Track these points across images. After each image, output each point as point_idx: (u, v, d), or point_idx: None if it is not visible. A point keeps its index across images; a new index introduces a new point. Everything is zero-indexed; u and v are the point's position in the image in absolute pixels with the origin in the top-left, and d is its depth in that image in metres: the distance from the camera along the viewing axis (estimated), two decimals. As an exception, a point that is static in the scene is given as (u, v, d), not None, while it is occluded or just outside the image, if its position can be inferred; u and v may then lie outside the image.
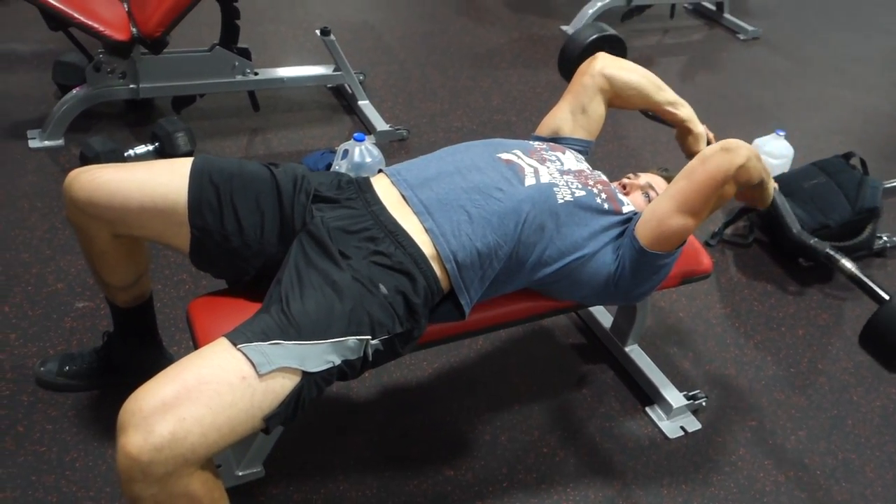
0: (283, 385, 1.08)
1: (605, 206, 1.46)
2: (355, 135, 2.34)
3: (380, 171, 1.51)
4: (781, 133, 2.86)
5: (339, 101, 2.99)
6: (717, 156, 1.38)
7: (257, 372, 1.04)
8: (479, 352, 2.01)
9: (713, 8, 4.46)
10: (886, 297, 1.36)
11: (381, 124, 2.78)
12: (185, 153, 2.42)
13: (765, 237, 2.64)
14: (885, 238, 2.60)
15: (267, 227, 1.34)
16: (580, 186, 1.46)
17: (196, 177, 1.33)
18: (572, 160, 1.55)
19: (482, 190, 1.38)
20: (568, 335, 2.11)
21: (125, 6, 2.42)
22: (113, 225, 1.34)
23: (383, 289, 1.22)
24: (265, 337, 1.08)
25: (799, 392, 2.06)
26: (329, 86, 3.02)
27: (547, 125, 1.72)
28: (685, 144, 1.74)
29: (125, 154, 2.33)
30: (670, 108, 1.70)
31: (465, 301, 1.36)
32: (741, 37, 4.31)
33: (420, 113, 3.02)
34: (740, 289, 2.41)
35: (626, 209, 1.50)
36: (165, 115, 2.53)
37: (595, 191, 1.47)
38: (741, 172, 1.38)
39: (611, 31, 1.98)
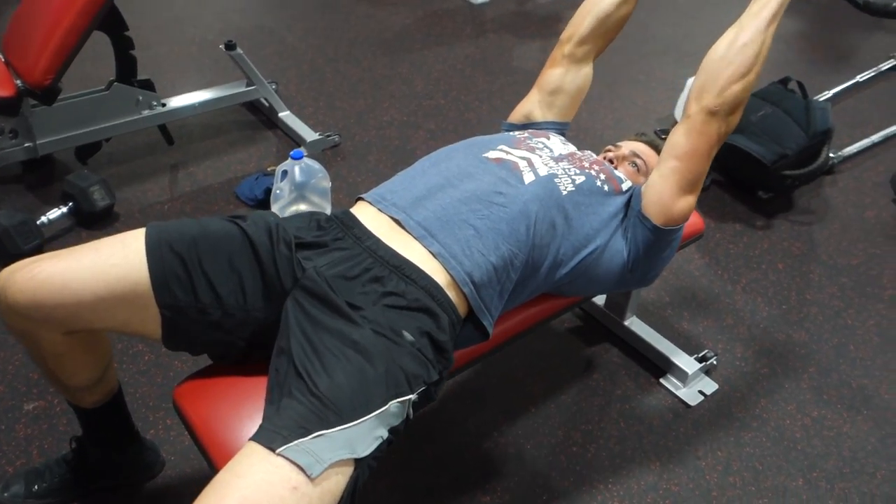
0: (338, 481, 0.92)
1: (606, 187, 1.36)
2: (292, 153, 2.15)
3: (359, 199, 1.35)
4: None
5: (257, 117, 2.77)
6: (704, 124, 1.28)
7: (308, 476, 0.88)
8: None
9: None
10: None
11: (309, 134, 2.59)
12: (105, 208, 2.17)
13: (720, 177, 2.61)
14: (832, 155, 2.62)
15: (249, 290, 1.17)
16: (578, 171, 1.35)
17: (154, 250, 1.14)
18: (559, 144, 1.44)
19: (482, 198, 1.24)
20: (563, 321, 2.01)
21: (1, 58, 2.13)
22: (66, 323, 1.14)
23: (408, 336, 1.08)
24: (304, 431, 0.92)
25: (797, 327, 2.04)
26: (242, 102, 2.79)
27: (519, 111, 1.63)
28: None
29: (38, 223, 2.06)
30: None
31: (487, 322, 1.23)
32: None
33: (345, 113, 2.83)
34: (712, 234, 2.37)
35: (625, 186, 1.40)
36: (73, 170, 2.27)
37: (593, 172, 1.37)
38: (737, 111, 1.30)
39: None
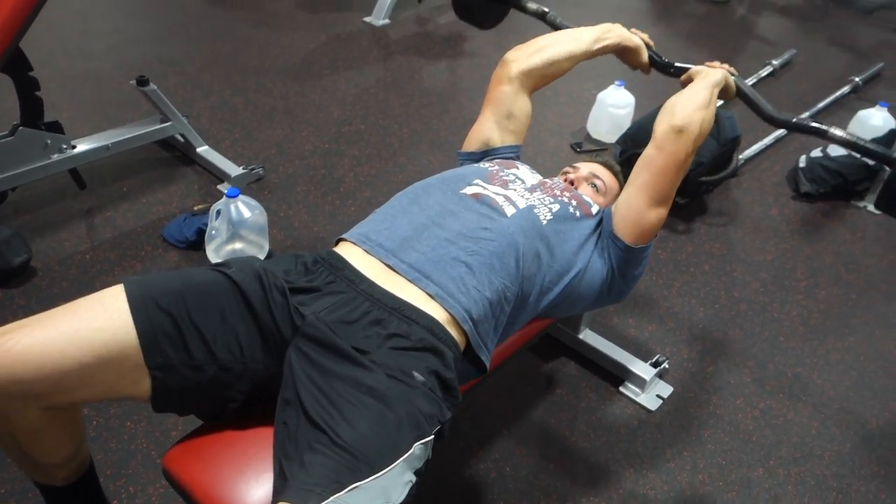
0: None
1: (578, 213, 1.40)
2: (227, 191, 2.07)
3: (340, 240, 1.32)
4: (621, 84, 2.97)
5: (172, 154, 2.64)
6: (672, 141, 1.35)
7: None
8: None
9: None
10: (894, 156, 1.37)
11: (232, 168, 2.50)
12: (22, 263, 2.00)
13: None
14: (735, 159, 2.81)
15: (245, 342, 1.11)
16: (552, 200, 1.38)
17: (139, 309, 1.06)
18: (528, 173, 1.47)
19: (468, 235, 1.24)
20: (519, 339, 2.04)
21: None
22: (45, 397, 1.04)
23: (418, 376, 1.07)
24: (339, 485, 0.89)
25: (731, 325, 2.17)
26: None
27: (475, 139, 1.61)
28: (630, 62, 1.69)
29: (-54, 285, 1.88)
30: (600, 46, 1.63)
31: (484, 356, 1.23)
32: None
33: (263, 144, 2.75)
34: (640, 241, 2.48)
35: (594, 210, 1.44)
36: (-23, 224, 2.08)
37: (565, 199, 1.40)
38: (700, 138, 1.38)
39: None
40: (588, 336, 1.98)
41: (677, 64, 1.64)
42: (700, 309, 2.22)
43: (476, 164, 1.49)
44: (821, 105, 3.46)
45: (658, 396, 1.90)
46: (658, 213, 1.37)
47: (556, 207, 1.36)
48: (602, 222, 1.42)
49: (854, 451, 1.83)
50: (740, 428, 1.85)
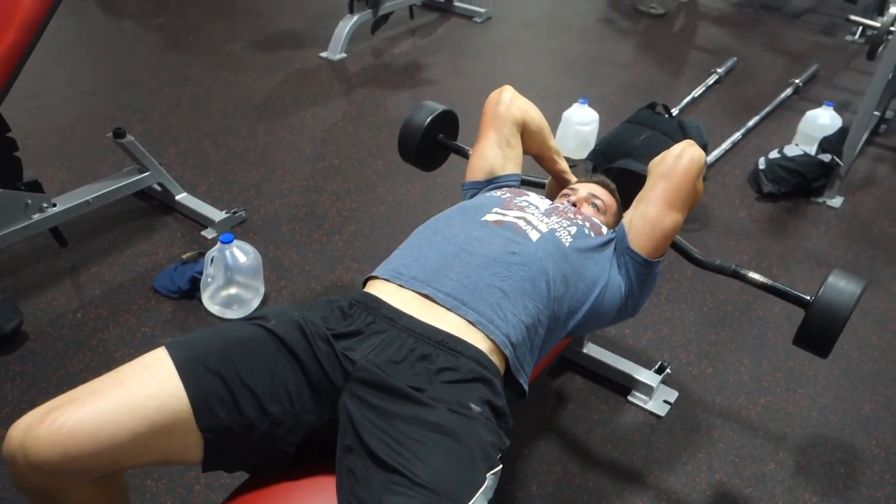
0: None
1: (593, 234, 1.44)
2: (221, 237, 2.06)
3: (370, 278, 1.33)
4: (584, 102, 3.07)
5: (149, 204, 2.61)
6: (688, 150, 1.42)
7: None
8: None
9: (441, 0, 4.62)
10: (809, 299, 1.48)
11: (215, 213, 2.48)
12: (15, 327, 1.95)
13: (613, 198, 2.82)
14: (701, 166, 2.93)
15: (295, 395, 1.11)
16: (568, 223, 1.42)
17: (188, 372, 1.06)
18: (539, 199, 1.51)
19: (498, 260, 1.28)
20: (524, 359, 2.08)
21: None
22: (98, 469, 1.03)
23: (475, 407, 1.09)
24: None
25: (721, 326, 2.26)
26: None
27: (479, 167, 1.64)
28: (557, 193, 1.75)
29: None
30: (557, 157, 1.72)
31: (523, 380, 1.26)
32: (477, 20, 4.52)
33: (241, 187, 2.74)
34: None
35: (604, 230, 1.49)
36: (-39, 292, 2.01)
37: (579, 222, 1.44)
38: (703, 165, 1.44)
39: (441, 106, 1.95)
40: (592, 350, 2.03)
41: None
42: (690, 313, 2.29)
43: (489, 193, 1.53)
44: (768, 109, 3.63)
45: (665, 402, 1.96)
46: (673, 218, 1.42)
47: (573, 230, 1.40)
48: (615, 240, 1.47)
49: (854, 436, 1.91)
50: (746, 425, 1.92)
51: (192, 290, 2.17)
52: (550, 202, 1.52)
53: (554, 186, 1.77)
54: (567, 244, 1.36)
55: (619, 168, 2.63)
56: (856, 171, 3.15)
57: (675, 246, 1.63)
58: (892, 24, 3.43)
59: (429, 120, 1.89)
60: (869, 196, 3.02)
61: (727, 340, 2.20)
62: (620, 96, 3.66)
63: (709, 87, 3.86)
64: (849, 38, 4.78)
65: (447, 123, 1.94)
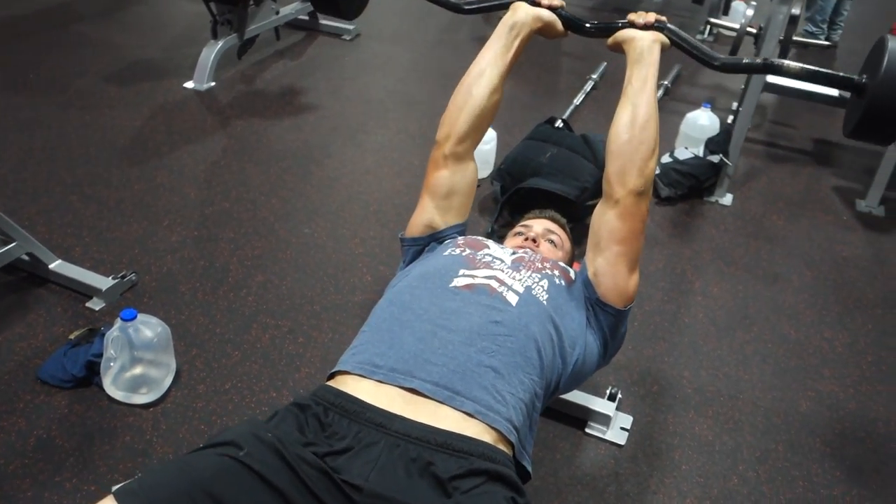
0: None
1: (563, 282, 1.36)
2: (122, 314, 1.79)
3: (338, 373, 1.16)
4: (481, 119, 3.00)
5: (15, 277, 2.25)
6: (635, 205, 1.32)
7: None
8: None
9: (307, 18, 4.41)
10: (862, 80, 1.33)
11: (99, 280, 2.18)
12: None
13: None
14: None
15: None
16: (539, 276, 1.33)
17: None
18: (499, 250, 1.41)
19: (482, 333, 1.16)
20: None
21: None
22: None
23: (504, 513, 0.97)
24: None
25: (654, 339, 2.26)
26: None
27: (417, 223, 1.52)
28: (548, 35, 1.64)
29: None
30: (519, 37, 1.62)
31: (527, 462, 1.16)
32: (346, 38, 4.36)
33: (122, 245, 2.43)
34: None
35: (572, 274, 1.41)
36: None
37: (548, 272, 1.36)
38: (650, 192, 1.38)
39: None
40: (542, 385, 1.95)
41: (598, 24, 1.57)
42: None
43: (448, 253, 1.38)
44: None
45: (623, 429, 1.92)
46: (635, 279, 1.37)
47: (545, 283, 1.31)
48: (583, 290, 1.38)
49: (799, 437, 1.97)
50: (702, 440, 1.92)
51: (88, 376, 1.88)
52: (512, 251, 1.42)
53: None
54: (545, 302, 1.26)
55: (531, 188, 2.60)
56: (736, 168, 3.31)
57: (679, 47, 1.46)
58: (748, 26, 3.65)
59: None
60: (753, 191, 3.17)
61: (664, 353, 2.21)
62: (507, 110, 3.63)
63: (587, 94, 3.93)
64: (699, 37, 5.06)
65: None
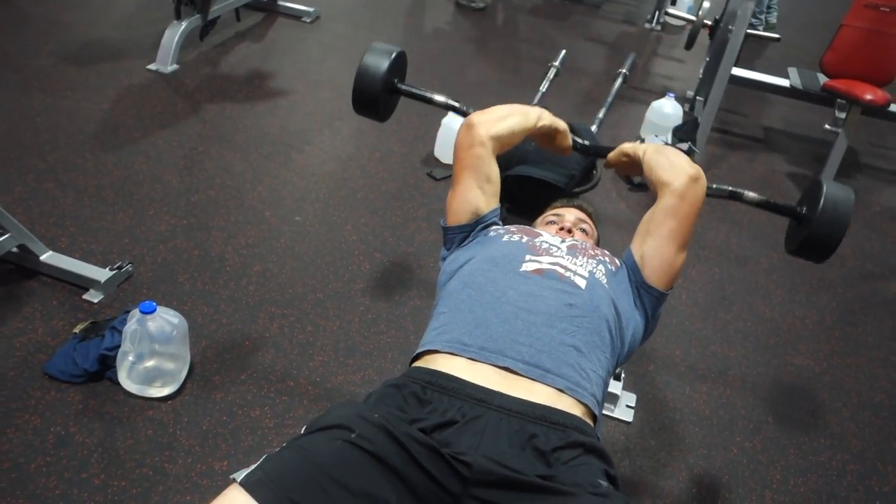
0: None
1: (613, 267, 1.43)
2: (141, 306, 1.76)
3: (428, 352, 1.20)
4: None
5: (3, 267, 2.16)
6: (692, 188, 1.41)
7: None
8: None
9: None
10: (803, 211, 1.57)
11: (97, 272, 2.12)
12: None
13: (509, 205, 2.84)
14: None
15: None
16: (595, 261, 1.39)
17: None
18: (552, 238, 1.46)
19: (559, 315, 1.22)
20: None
21: None
22: None
23: (603, 483, 1.03)
24: None
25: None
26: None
27: (462, 210, 1.51)
28: (556, 144, 1.66)
29: None
30: (541, 124, 1.63)
31: (599, 433, 1.22)
32: (306, 20, 4.30)
33: (110, 234, 2.36)
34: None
35: (618, 260, 1.48)
36: None
37: (601, 258, 1.42)
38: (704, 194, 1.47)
39: (395, 48, 1.77)
40: (552, 367, 2.03)
41: (598, 145, 1.73)
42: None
43: (507, 239, 1.43)
44: (609, 100, 3.85)
45: (629, 406, 2.03)
46: (683, 257, 1.44)
47: (602, 268, 1.38)
48: (628, 274, 1.45)
49: (786, 408, 2.12)
50: (701, 415, 2.05)
51: (100, 371, 1.84)
52: (561, 239, 1.48)
53: (545, 141, 1.65)
54: (606, 285, 1.33)
55: (519, 175, 2.66)
56: (697, 154, 3.47)
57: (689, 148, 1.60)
58: (706, 17, 3.81)
59: (387, 65, 1.68)
60: (716, 178, 3.33)
61: (656, 334, 2.31)
62: (478, 95, 3.69)
63: (551, 81, 4.01)
64: (647, 25, 5.24)
65: (400, 66, 1.76)
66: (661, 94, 3.80)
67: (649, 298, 1.42)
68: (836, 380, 2.26)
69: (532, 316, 1.21)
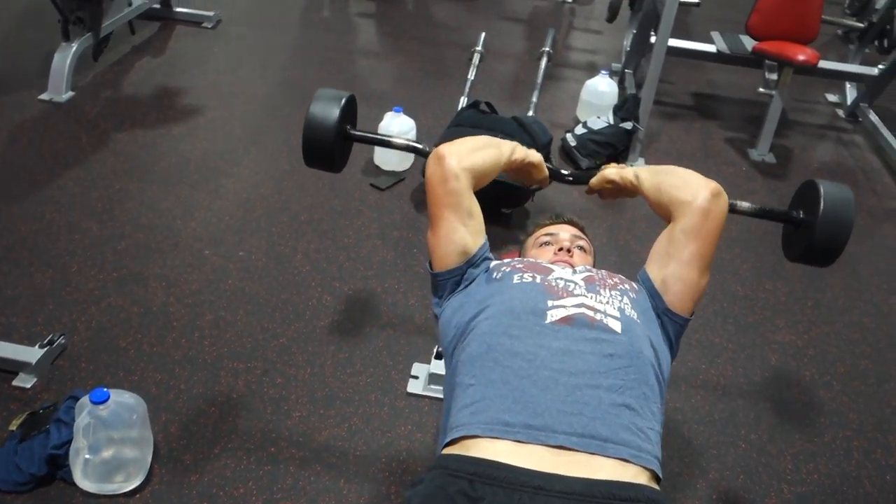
0: None
1: (635, 295, 1.30)
2: (91, 395, 1.52)
3: (464, 438, 1.04)
4: (399, 110, 2.86)
5: None
6: (716, 204, 1.31)
7: None
8: None
9: (159, 6, 3.96)
10: (800, 215, 1.49)
11: (27, 352, 1.84)
12: None
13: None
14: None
15: None
16: (618, 293, 1.27)
17: None
18: (564, 271, 1.32)
19: (601, 370, 1.09)
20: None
21: None
22: None
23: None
24: None
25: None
26: None
27: (448, 253, 1.34)
28: (532, 178, 1.59)
29: None
30: (514, 158, 1.52)
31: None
32: (207, 25, 3.99)
33: (30, 301, 2.08)
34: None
35: (636, 285, 1.36)
36: None
37: (622, 286, 1.30)
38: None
39: (344, 93, 1.60)
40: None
41: (576, 172, 1.64)
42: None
43: (518, 281, 1.27)
44: (539, 81, 3.73)
45: (631, 416, 1.94)
46: (707, 280, 1.33)
47: (627, 301, 1.25)
48: (650, 298, 1.34)
49: (779, 391, 2.09)
50: (702, 412, 1.99)
51: (51, 472, 1.60)
52: (573, 270, 1.35)
53: (519, 174, 1.57)
54: (638, 321, 1.21)
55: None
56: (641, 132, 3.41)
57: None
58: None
59: (338, 113, 1.51)
60: (659, 151, 3.29)
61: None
62: (405, 91, 3.51)
63: (477, 67, 3.86)
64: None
65: (351, 111, 1.60)
66: (588, 70, 3.72)
67: (673, 326, 1.32)
68: (820, 352, 2.25)
69: (573, 378, 1.07)
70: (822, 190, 1.45)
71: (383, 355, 2.04)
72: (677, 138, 3.44)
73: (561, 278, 1.28)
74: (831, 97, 4.04)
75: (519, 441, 1.01)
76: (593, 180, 1.55)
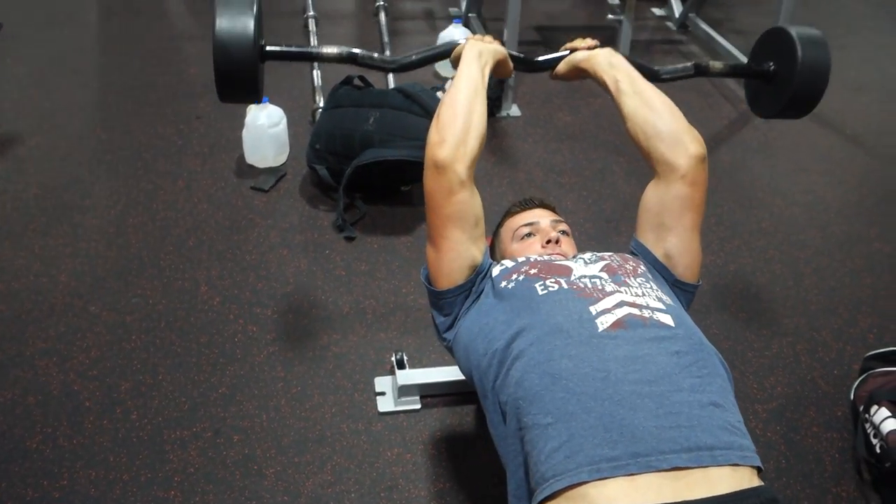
0: None
1: (651, 275, 1.28)
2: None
3: (563, 490, 0.93)
4: (265, 100, 2.57)
5: None
6: (702, 171, 1.30)
7: None
8: (457, 439, 1.57)
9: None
10: (771, 68, 1.46)
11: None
12: None
13: (356, 195, 2.50)
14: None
15: None
16: (644, 279, 1.24)
17: None
18: (584, 267, 1.24)
19: (676, 371, 1.04)
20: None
21: None
22: None
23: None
24: None
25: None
26: None
27: (455, 269, 1.29)
28: (499, 74, 1.51)
29: None
30: (487, 70, 1.41)
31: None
32: None
33: None
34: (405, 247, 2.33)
35: (640, 260, 1.32)
36: None
37: (642, 268, 1.29)
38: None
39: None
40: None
41: (542, 58, 1.55)
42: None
43: (545, 292, 1.16)
44: (385, 40, 3.53)
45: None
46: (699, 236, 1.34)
47: (654, 285, 1.21)
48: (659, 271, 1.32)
49: (723, 313, 2.16)
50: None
51: None
52: (585, 262, 1.26)
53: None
54: (676, 306, 1.18)
55: (373, 161, 2.34)
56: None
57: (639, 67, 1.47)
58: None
59: (254, 23, 1.30)
60: (528, 96, 3.26)
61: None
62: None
63: (316, 35, 3.59)
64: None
65: (261, 21, 1.40)
66: (428, 19, 3.58)
67: (684, 295, 1.33)
68: (739, 266, 2.35)
69: (654, 386, 1.00)
70: (794, 35, 1.40)
71: (338, 378, 1.86)
72: (543, 82, 3.39)
73: (584, 276, 1.20)
74: (658, 11, 4.20)
75: (631, 475, 0.92)
76: (561, 67, 1.52)
